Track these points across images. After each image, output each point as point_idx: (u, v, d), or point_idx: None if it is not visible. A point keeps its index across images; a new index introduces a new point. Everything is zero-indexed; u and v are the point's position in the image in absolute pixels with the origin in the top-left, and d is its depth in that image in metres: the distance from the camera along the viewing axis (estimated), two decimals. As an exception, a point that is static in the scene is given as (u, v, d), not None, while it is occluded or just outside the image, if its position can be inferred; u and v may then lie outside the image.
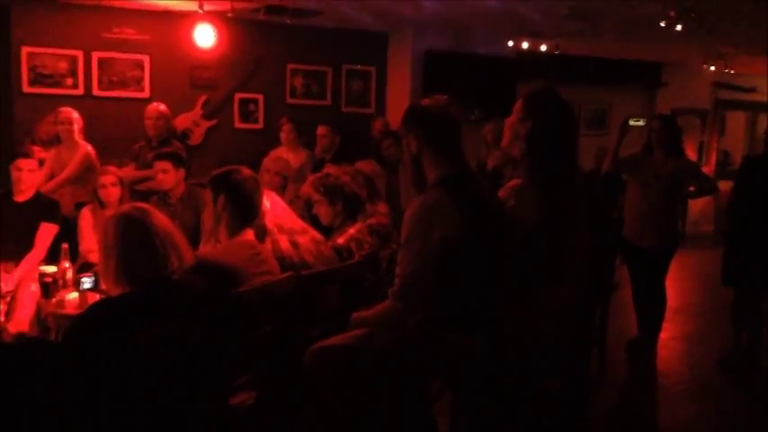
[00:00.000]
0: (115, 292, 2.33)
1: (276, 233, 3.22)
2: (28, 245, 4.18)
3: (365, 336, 2.65)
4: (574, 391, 3.47)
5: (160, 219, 2.39)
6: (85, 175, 5.26)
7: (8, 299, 3.79)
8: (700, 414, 4.17)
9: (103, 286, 3.42)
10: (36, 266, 4.00)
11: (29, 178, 4.29)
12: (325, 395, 2.70)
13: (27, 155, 4.42)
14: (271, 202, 3.31)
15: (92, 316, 2.32)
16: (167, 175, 4.56)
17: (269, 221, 3.23)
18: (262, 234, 3.16)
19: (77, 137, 5.39)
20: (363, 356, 2.61)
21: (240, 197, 2.86)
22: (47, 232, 4.24)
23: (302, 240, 3.29)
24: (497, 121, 6.22)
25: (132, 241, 2.31)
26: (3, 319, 3.64)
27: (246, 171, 2.96)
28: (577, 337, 3.39)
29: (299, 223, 3.43)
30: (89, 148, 5.39)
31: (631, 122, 5.17)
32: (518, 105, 2.81)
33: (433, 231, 2.44)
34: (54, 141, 5.57)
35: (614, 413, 4.20)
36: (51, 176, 5.28)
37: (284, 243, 3.21)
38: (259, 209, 2.98)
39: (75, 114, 5.41)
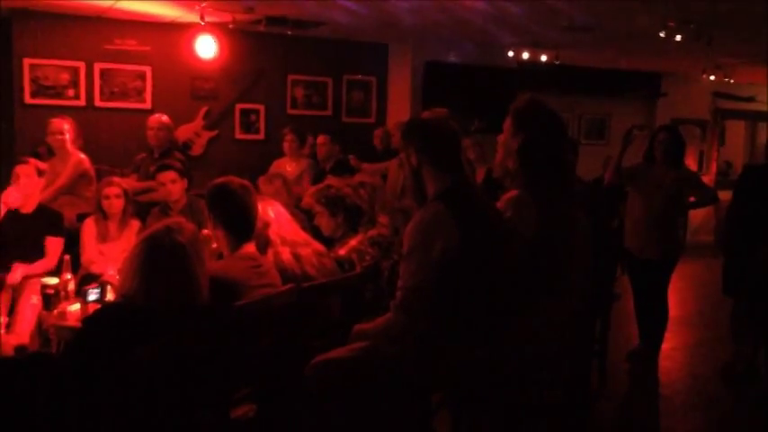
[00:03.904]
0: None
1: (279, 245, 3.22)
2: (31, 257, 4.19)
3: (367, 348, 2.65)
4: (575, 402, 3.47)
5: (191, 245, 2.36)
6: (80, 183, 5.23)
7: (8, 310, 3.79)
8: (701, 425, 4.16)
9: (110, 298, 3.43)
10: (41, 274, 4.00)
11: (27, 184, 4.26)
12: (326, 408, 2.70)
13: (23, 161, 4.42)
14: (275, 213, 3.30)
15: (92, 329, 2.33)
16: (175, 185, 4.57)
17: (272, 233, 3.22)
18: (264, 245, 3.16)
19: (69, 146, 5.28)
20: (365, 369, 2.61)
21: (231, 218, 2.80)
22: (56, 246, 4.24)
23: (304, 252, 3.28)
24: (475, 137, 6.29)
25: (157, 271, 2.30)
26: (3, 331, 3.64)
27: (235, 183, 2.83)
28: (578, 348, 3.38)
29: (301, 235, 3.43)
30: (81, 156, 5.32)
31: (635, 132, 5.17)
32: (507, 122, 2.82)
33: (434, 244, 2.45)
34: (49, 153, 5.53)
35: (615, 424, 4.19)
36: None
37: (286, 255, 3.21)
38: (254, 221, 2.89)
39: (66, 125, 5.29)
